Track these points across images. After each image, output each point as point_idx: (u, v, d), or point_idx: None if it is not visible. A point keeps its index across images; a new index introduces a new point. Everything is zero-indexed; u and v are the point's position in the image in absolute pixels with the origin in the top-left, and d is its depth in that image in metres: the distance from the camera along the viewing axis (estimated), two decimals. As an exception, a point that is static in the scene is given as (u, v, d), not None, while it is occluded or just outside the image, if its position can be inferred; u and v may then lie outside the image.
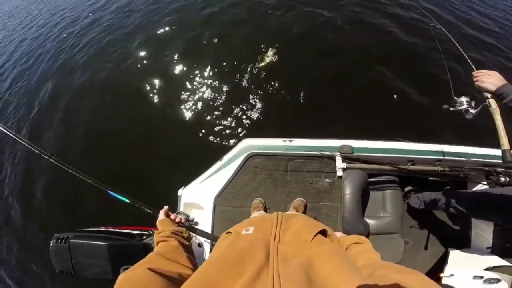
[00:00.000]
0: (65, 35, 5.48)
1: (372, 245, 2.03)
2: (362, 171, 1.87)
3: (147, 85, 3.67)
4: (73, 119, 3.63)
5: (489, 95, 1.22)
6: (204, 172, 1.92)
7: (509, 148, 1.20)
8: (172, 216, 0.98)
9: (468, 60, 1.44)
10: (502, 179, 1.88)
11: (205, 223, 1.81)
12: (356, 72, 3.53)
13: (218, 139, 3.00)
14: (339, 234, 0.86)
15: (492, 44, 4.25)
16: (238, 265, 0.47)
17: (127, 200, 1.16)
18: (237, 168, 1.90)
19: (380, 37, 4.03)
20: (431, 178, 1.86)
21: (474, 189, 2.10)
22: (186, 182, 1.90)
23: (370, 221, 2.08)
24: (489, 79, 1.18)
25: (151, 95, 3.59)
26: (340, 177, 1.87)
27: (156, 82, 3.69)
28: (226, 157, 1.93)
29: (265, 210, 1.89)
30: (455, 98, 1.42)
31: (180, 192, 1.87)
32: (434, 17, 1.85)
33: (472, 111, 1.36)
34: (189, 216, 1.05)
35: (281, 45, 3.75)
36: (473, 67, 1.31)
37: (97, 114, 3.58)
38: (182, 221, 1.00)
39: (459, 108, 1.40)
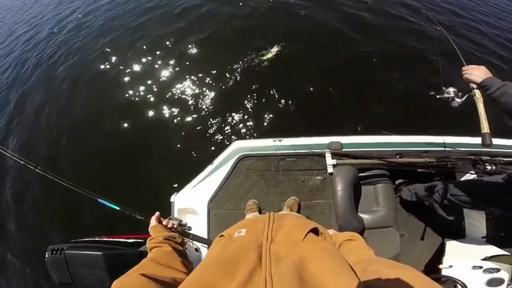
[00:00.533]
0: (46, 42, 5.39)
1: (368, 239, 2.07)
2: (352, 166, 1.89)
3: (134, 91, 3.63)
4: (59, 129, 3.57)
5: (475, 86, 1.32)
6: (196, 177, 1.91)
7: (489, 131, 1.32)
8: (164, 222, 0.98)
9: (460, 55, 1.52)
10: (489, 167, 1.93)
11: (200, 228, 1.81)
12: (343, 68, 3.57)
13: (208, 142, 2.99)
14: (331, 232, 0.87)
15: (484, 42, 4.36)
16: (231, 268, 0.47)
17: (117, 208, 1.16)
18: (229, 170, 1.90)
19: (369, 30, 4.11)
20: (420, 170, 1.89)
21: (463, 178, 2.14)
22: (178, 187, 1.90)
23: (364, 216, 2.10)
24: (476, 72, 1.28)
25: (139, 100, 3.55)
26: (331, 173, 1.89)
27: (143, 87, 3.66)
28: (217, 161, 1.93)
29: (260, 211, 1.90)
30: (444, 88, 1.51)
31: (172, 198, 1.87)
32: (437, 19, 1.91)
33: (458, 100, 1.45)
34: (182, 221, 1.05)
35: (275, 44, 3.75)
36: (464, 63, 1.40)
37: (84, 122, 3.53)
38: (175, 226, 0.99)
39: (446, 96, 1.50)
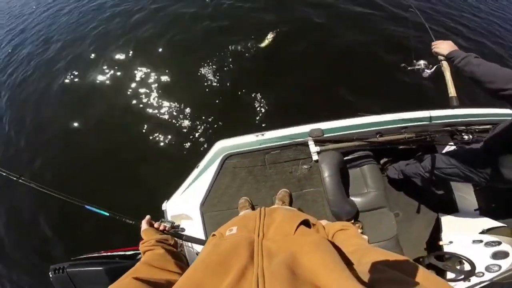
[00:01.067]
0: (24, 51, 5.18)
1: (364, 222, 2.07)
2: (335, 151, 1.92)
3: (115, 96, 3.59)
4: (41, 138, 3.48)
5: (442, 58, 1.43)
6: (184, 182, 1.90)
7: (455, 95, 1.42)
8: (156, 225, 0.98)
9: (429, 30, 1.63)
10: (466, 137, 2.00)
11: (197, 232, 1.79)
12: (312, 56, 3.66)
13: (190, 145, 2.97)
14: (324, 222, 0.87)
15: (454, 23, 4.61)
16: (223, 266, 0.47)
17: (106, 213, 1.15)
18: (216, 172, 1.90)
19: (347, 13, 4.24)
20: (401, 147, 1.94)
21: (444, 150, 2.20)
22: (166, 191, 1.88)
23: (356, 199, 2.12)
24: (443, 46, 1.40)
25: (118, 106, 3.51)
26: (316, 161, 1.91)
27: (119, 93, 3.62)
28: (202, 163, 1.92)
29: (252, 207, 1.89)
30: (414, 61, 1.61)
31: (164, 206, 1.85)
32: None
33: (428, 70, 1.55)
34: (174, 223, 1.05)
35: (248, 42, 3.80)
36: (433, 38, 1.51)
37: (66, 130, 3.46)
38: (167, 228, 0.99)
39: (416, 67, 1.59)
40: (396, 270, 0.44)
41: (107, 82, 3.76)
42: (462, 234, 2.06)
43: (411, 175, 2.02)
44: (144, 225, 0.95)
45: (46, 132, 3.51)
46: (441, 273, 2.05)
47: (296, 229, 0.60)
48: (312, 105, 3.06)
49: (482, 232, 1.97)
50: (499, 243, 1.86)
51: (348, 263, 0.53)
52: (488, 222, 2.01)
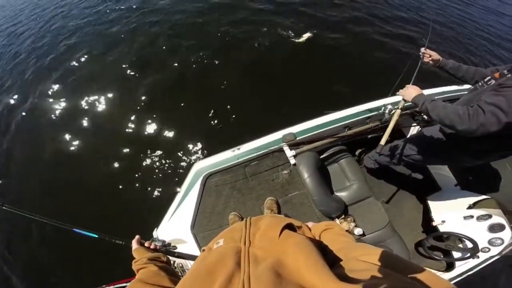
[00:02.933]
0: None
1: (354, 215, 2.11)
2: (310, 152, 1.98)
3: (98, 121, 3.53)
4: (24, 163, 3.34)
5: (404, 103, 1.56)
6: (169, 208, 1.88)
7: (383, 144, 1.61)
8: (147, 244, 0.98)
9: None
10: (425, 117, 2.15)
11: (193, 253, 1.75)
12: (272, 63, 3.83)
13: (169, 172, 2.93)
14: (310, 224, 0.89)
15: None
16: (210, 275, 0.48)
17: (95, 235, 1.13)
18: (199, 193, 1.89)
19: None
20: (370, 136, 2.04)
21: (410, 133, 2.33)
22: (154, 221, 1.86)
23: (341, 194, 2.17)
24: (409, 90, 1.48)
25: (90, 128, 3.47)
26: (294, 164, 1.96)
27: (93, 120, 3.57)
28: (183, 188, 1.91)
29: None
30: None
31: (155, 234, 1.81)
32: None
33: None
34: (165, 241, 1.06)
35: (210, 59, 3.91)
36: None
37: (51, 154, 3.33)
38: (158, 247, 1.00)
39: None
40: (374, 263, 0.46)
41: (87, 106, 3.68)
42: (451, 211, 2.11)
43: (385, 163, 2.11)
44: (134, 244, 0.95)
45: (28, 156, 3.37)
46: (446, 253, 2.10)
47: (280, 233, 0.61)
48: (277, 112, 3.15)
49: (470, 207, 2.05)
50: (490, 216, 1.92)
51: (337, 260, 0.54)
52: (471, 196, 2.09)
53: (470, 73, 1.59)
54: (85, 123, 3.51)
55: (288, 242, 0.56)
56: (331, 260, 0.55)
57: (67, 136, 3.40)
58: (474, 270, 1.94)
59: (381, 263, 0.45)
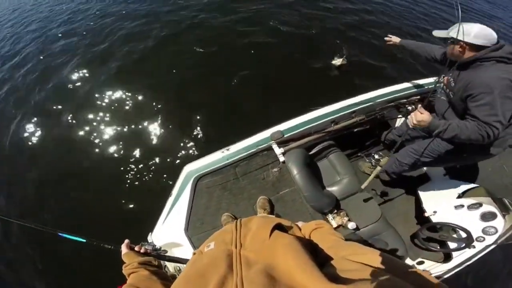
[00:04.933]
0: None
1: (347, 209, 2.14)
2: (299, 148, 2.00)
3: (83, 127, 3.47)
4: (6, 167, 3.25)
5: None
6: (162, 212, 1.88)
7: (363, 188, 1.92)
8: (137, 248, 0.98)
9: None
10: (409, 108, 2.21)
11: (189, 256, 1.73)
12: (257, 65, 3.85)
13: (159, 176, 2.90)
14: (300, 223, 0.90)
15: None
16: (202, 279, 0.48)
17: (83, 240, 1.10)
18: (190, 195, 1.89)
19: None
20: (356, 130, 2.07)
21: (397, 124, 2.38)
22: (143, 224, 1.85)
23: (332, 189, 2.17)
24: (420, 117, 1.49)
25: (77, 127, 3.43)
26: (284, 162, 1.97)
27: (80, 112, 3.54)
28: (174, 191, 1.91)
29: None
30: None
31: (150, 238, 1.81)
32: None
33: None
34: (155, 245, 1.06)
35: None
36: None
37: (35, 159, 3.25)
38: (149, 251, 1.00)
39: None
40: (363, 263, 0.47)
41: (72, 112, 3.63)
42: (442, 201, 2.14)
43: (403, 172, 2.17)
44: (124, 249, 0.95)
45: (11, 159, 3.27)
46: (442, 244, 2.12)
47: (270, 234, 0.62)
48: (264, 111, 3.18)
49: (459, 197, 2.08)
50: (480, 204, 1.94)
51: (328, 259, 0.55)
52: (461, 185, 2.12)
53: (425, 51, 1.93)
54: (73, 126, 3.47)
55: (278, 243, 0.57)
56: (322, 259, 0.56)
57: (51, 140, 3.36)
58: (472, 260, 1.94)
59: (370, 263, 0.46)
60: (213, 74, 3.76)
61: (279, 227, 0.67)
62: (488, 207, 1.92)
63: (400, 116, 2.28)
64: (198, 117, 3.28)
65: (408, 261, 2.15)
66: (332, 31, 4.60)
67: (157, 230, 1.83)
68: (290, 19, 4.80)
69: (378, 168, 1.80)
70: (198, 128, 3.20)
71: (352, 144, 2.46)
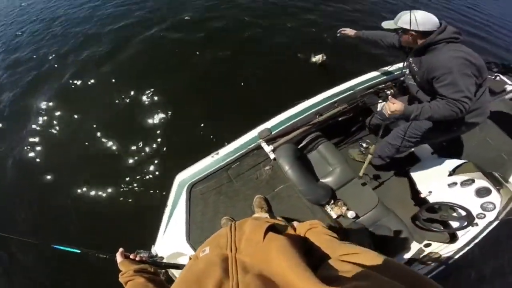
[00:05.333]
0: None
1: (344, 198, 2.18)
2: (287, 143, 2.02)
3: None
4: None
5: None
6: (160, 225, 1.86)
7: (362, 174, 2.04)
8: (132, 256, 0.98)
9: None
10: (388, 92, 2.29)
11: (184, 263, 1.70)
12: (232, 64, 3.84)
13: (151, 188, 2.83)
14: (295, 223, 0.91)
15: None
16: (198, 284, 0.47)
17: (77, 251, 1.10)
18: (186, 204, 1.87)
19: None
20: (341, 118, 2.12)
21: (378, 108, 2.45)
22: (138, 232, 1.87)
23: (326, 180, 2.19)
24: (394, 107, 1.61)
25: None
26: (274, 159, 1.99)
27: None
28: (170, 201, 1.89)
29: None
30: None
31: (153, 251, 1.76)
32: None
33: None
34: (151, 252, 1.08)
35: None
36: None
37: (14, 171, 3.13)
38: (144, 258, 1.00)
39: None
40: (356, 263, 0.47)
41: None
42: (434, 181, 2.17)
43: (394, 154, 2.23)
44: (119, 257, 0.96)
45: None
46: (445, 225, 2.13)
47: (264, 237, 0.62)
48: (249, 111, 3.13)
49: (450, 174, 2.12)
50: (473, 180, 1.98)
51: (325, 258, 0.56)
52: (450, 162, 2.16)
53: (383, 40, 2.04)
54: (64, 136, 3.37)
55: (272, 246, 0.57)
56: (317, 260, 0.57)
57: (43, 150, 3.24)
58: (479, 238, 1.96)
59: (364, 263, 0.46)
60: (193, 77, 3.72)
61: (272, 228, 0.67)
62: (481, 182, 1.95)
63: (380, 101, 2.35)
64: (182, 124, 3.24)
65: (415, 245, 2.15)
66: (307, 27, 4.67)
67: (159, 242, 1.80)
68: (258, 14, 4.81)
69: (369, 155, 1.87)
70: (185, 133, 3.17)
71: (339, 133, 2.51)
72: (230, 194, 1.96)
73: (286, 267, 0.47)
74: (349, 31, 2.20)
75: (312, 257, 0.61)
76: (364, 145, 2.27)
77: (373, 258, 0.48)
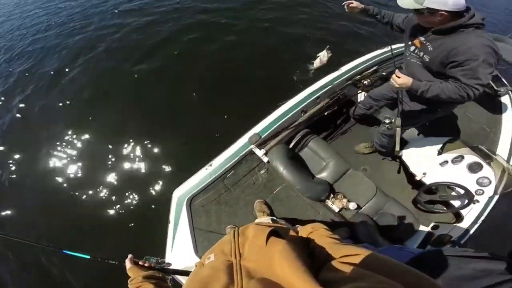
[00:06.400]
0: None
1: (342, 190, 2.19)
2: (278, 145, 2.06)
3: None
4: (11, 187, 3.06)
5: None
6: (167, 240, 1.84)
7: (398, 150, 1.94)
8: (141, 262, 1.00)
9: None
10: (365, 82, 2.38)
11: (191, 269, 1.67)
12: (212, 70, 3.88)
13: (151, 205, 2.82)
14: (299, 228, 0.92)
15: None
16: None
17: (87, 256, 1.11)
18: (189, 218, 1.85)
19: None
20: (326, 113, 2.18)
21: (359, 99, 2.54)
22: (145, 239, 1.94)
23: (322, 175, 2.22)
24: (401, 81, 1.58)
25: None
26: (268, 162, 2.01)
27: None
28: (171, 217, 1.88)
29: None
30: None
31: (165, 260, 1.72)
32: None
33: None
34: (159, 259, 1.08)
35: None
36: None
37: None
38: (152, 265, 1.02)
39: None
40: (356, 264, 0.49)
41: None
42: (426, 161, 2.19)
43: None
44: (128, 264, 0.97)
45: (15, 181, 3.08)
46: (447, 204, 2.15)
47: (266, 241, 0.63)
48: (237, 118, 3.14)
49: (439, 153, 2.15)
50: (462, 156, 2.01)
51: (325, 262, 0.56)
52: (436, 141, 2.20)
53: (388, 17, 1.89)
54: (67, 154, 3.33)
55: (274, 250, 0.58)
56: (320, 262, 0.58)
57: (51, 162, 3.24)
58: (485, 215, 1.99)
59: (363, 264, 0.48)
60: (176, 81, 3.75)
61: (274, 232, 0.68)
62: (470, 157, 2.00)
63: (360, 91, 2.44)
64: (174, 139, 3.24)
65: (422, 228, 2.16)
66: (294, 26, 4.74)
67: (168, 259, 1.78)
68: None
69: (397, 128, 1.86)
70: (174, 149, 3.17)
71: (326, 127, 2.56)
72: (230, 203, 1.95)
73: (287, 271, 0.48)
74: (356, 3, 1.92)
75: (315, 259, 0.62)
76: (387, 121, 2.10)
77: (374, 259, 0.49)
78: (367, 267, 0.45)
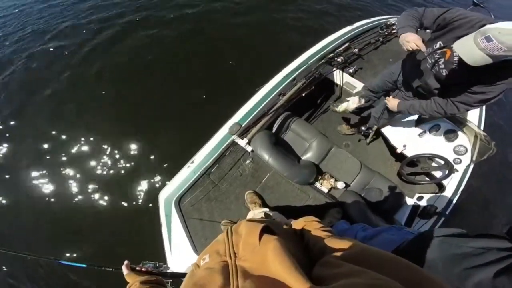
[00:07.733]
0: None
1: (328, 170, 2.19)
2: (260, 132, 1.99)
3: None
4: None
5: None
6: (164, 245, 1.78)
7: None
8: (138, 268, 1.01)
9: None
10: (339, 60, 2.37)
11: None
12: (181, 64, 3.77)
13: (142, 207, 2.71)
14: (292, 222, 0.91)
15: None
16: None
17: (84, 265, 1.11)
18: (181, 219, 1.78)
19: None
20: (304, 94, 2.14)
21: (335, 77, 2.54)
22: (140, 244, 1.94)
23: (307, 156, 2.21)
24: (392, 103, 1.82)
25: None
26: (252, 150, 1.95)
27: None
28: (162, 221, 1.80)
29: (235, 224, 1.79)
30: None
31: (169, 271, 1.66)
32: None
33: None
34: (157, 263, 1.08)
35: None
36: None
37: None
38: (150, 269, 1.02)
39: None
40: (349, 259, 0.48)
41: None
42: (404, 133, 2.26)
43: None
44: (125, 270, 0.98)
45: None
46: (429, 176, 2.23)
47: (260, 239, 0.62)
48: (212, 110, 3.11)
49: (417, 125, 2.23)
50: (439, 125, 2.08)
51: (320, 256, 0.56)
52: (410, 115, 2.21)
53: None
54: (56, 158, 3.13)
55: (268, 248, 0.57)
56: (316, 255, 0.58)
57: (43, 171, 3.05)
58: (464, 183, 2.08)
59: (356, 259, 0.47)
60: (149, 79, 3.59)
61: (267, 229, 0.67)
62: (445, 125, 2.08)
63: (334, 69, 2.43)
64: (148, 139, 3.09)
65: (408, 200, 2.23)
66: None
67: (170, 262, 1.74)
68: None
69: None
70: (153, 151, 3.02)
71: (307, 108, 2.55)
72: (220, 198, 1.89)
73: (280, 268, 0.48)
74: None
75: (310, 253, 0.63)
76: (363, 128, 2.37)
77: (368, 253, 0.49)
78: (360, 262, 0.45)
